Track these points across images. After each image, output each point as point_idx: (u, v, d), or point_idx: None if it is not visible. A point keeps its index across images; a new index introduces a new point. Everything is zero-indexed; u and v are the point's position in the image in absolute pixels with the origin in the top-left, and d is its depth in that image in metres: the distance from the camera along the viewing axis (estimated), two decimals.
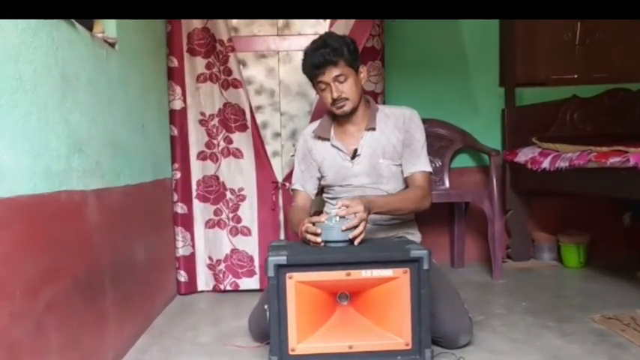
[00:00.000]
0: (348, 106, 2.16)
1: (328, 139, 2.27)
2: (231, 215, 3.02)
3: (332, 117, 2.30)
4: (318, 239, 1.90)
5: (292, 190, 2.40)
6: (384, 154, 2.22)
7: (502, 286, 3.07)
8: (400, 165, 2.24)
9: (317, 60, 2.10)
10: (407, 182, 2.25)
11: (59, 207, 1.58)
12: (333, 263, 1.78)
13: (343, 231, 1.88)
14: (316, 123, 2.36)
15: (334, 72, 2.11)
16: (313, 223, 1.94)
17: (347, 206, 1.91)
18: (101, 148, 1.92)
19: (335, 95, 2.13)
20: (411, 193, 2.18)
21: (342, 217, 1.91)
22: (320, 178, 2.33)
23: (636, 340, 2.04)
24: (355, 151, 2.23)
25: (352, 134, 2.26)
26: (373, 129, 2.23)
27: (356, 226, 1.88)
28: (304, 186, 2.33)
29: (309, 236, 1.93)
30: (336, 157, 2.26)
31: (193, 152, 3.01)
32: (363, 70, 2.21)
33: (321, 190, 2.41)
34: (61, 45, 1.60)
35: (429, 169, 2.25)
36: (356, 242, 1.89)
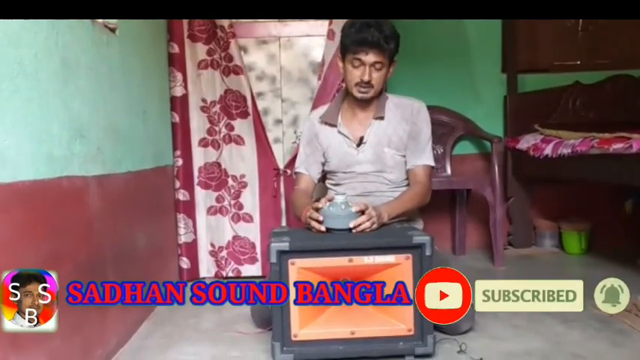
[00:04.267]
0: (370, 94, 2.14)
1: (335, 125, 2.26)
2: (232, 202, 3.02)
3: (341, 101, 2.29)
4: (322, 227, 1.90)
5: (296, 173, 2.38)
6: (389, 144, 2.21)
7: (503, 272, 3.08)
8: (405, 155, 2.24)
9: (369, 38, 2.04)
10: (408, 175, 2.25)
11: (61, 193, 1.57)
12: (335, 249, 1.78)
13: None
14: (324, 107, 2.35)
15: (377, 57, 2.07)
16: (317, 209, 1.94)
17: (362, 212, 1.91)
18: (102, 134, 1.91)
19: (366, 78, 2.09)
20: (413, 192, 2.19)
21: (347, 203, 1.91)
22: (324, 164, 2.32)
23: (637, 326, 2.05)
24: (361, 138, 2.22)
25: (360, 121, 2.24)
26: (381, 118, 2.22)
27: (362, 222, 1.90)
28: (308, 169, 2.32)
29: (312, 223, 1.93)
30: (341, 143, 2.25)
31: (195, 139, 3.00)
32: (394, 65, 2.18)
33: (324, 177, 2.40)
34: (61, 30, 1.59)
35: (432, 163, 2.25)
36: (354, 230, 1.89)
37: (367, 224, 1.89)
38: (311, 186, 2.33)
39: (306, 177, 2.32)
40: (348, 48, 2.11)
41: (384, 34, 2.05)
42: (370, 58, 2.07)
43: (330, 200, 1.95)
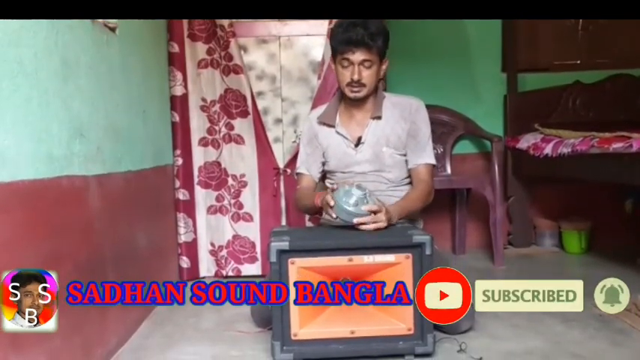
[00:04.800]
0: (362, 93, 2.14)
1: (333, 126, 2.26)
2: (232, 201, 3.02)
3: (339, 101, 2.29)
4: (333, 214, 1.93)
5: (297, 173, 2.38)
6: (387, 143, 2.21)
7: (503, 272, 3.08)
8: (403, 154, 2.24)
9: (353, 37, 2.05)
10: (410, 174, 2.25)
11: (60, 192, 1.57)
12: (335, 249, 1.78)
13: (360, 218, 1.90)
14: (322, 108, 2.35)
15: (364, 55, 2.07)
16: (333, 190, 1.96)
17: (375, 212, 1.92)
18: (102, 134, 1.91)
19: (355, 77, 2.09)
20: (419, 191, 2.18)
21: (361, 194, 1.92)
22: (324, 163, 2.33)
23: (637, 326, 2.05)
24: (359, 138, 2.22)
25: (358, 121, 2.24)
26: (379, 117, 2.21)
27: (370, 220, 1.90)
28: (309, 169, 2.32)
29: (326, 205, 1.95)
30: (340, 143, 2.25)
31: (195, 138, 3.00)
32: (386, 62, 2.18)
33: (323, 176, 2.40)
34: (61, 29, 1.58)
35: (434, 161, 2.25)
36: (358, 226, 1.90)
37: (371, 227, 1.89)
38: (312, 185, 2.33)
39: (308, 177, 2.33)
40: (336, 49, 2.12)
41: (370, 32, 2.05)
42: (358, 56, 2.07)
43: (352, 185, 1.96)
